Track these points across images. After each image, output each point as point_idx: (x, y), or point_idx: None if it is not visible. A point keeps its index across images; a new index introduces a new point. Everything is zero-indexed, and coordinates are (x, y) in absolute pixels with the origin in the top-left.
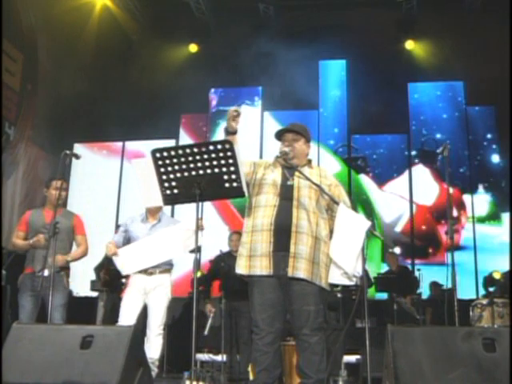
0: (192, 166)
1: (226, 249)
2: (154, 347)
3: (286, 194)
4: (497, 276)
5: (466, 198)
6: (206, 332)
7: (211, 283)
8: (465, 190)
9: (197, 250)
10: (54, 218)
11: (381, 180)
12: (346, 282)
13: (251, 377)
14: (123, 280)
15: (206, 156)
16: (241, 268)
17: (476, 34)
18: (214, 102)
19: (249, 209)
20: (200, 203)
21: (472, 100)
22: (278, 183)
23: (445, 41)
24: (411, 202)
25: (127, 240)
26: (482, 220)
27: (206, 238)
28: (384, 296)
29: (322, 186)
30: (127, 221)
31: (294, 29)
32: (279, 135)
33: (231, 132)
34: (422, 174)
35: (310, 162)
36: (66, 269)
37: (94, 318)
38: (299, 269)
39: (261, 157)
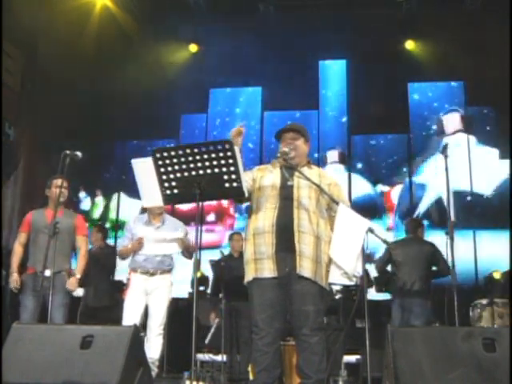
0: (192, 165)
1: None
2: (154, 347)
3: (286, 195)
4: (497, 276)
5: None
6: (207, 341)
7: (218, 291)
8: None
9: (197, 250)
10: (54, 218)
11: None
12: (346, 282)
13: (251, 377)
14: (124, 281)
15: (205, 156)
16: (249, 274)
17: (476, 34)
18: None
19: (250, 213)
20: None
21: (472, 100)
22: (278, 184)
23: (445, 41)
24: (411, 202)
25: None
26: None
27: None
28: (386, 296)
29: (322, 185)
30: (131, 224)
31: (293, 29)
32: (278, 135)
33: None
34: None
35: (309, 162)
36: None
37: None
38: (304, 267)
39: None
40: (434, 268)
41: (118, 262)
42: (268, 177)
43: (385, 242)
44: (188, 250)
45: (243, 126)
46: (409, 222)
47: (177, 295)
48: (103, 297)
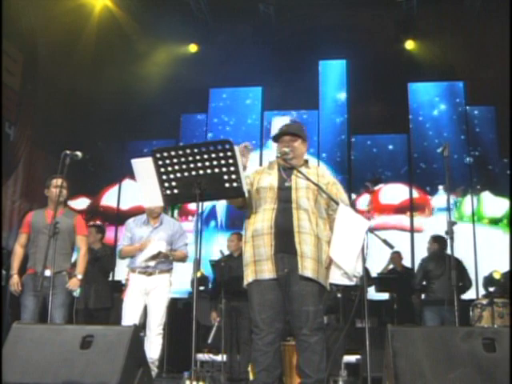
0: (192, 165)
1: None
2: (153, 347)
3: (285, 196)
4: (497, 276)
5: (466, 198)
6: (209, 340)
7: (219, 291)
8: (465, 190)
9: (196, 250)
10: (54, 218)
11: None
12: (347, 282)
13: (251, 377)
14: (123, 281)
15: (205, 156)
16: (249, 275)
17: (476, 34)
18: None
19: (249, 215)
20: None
21: (472, 100)
22: (275, 186)
23: (445, 41)
24: (411, 202)
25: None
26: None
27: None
28: (385, 296)
29: (320, 185)
30: (130, 224)
31: (294, 29)
32: (276, 138)
33: None
34: None
35: (306, 162)
36: (67, 269)
37: None
38: (307, 268)
39: None
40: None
41: (118, 262)
42: (266, 178)
43: (384, 242)
44: (174, 260)
45: (249, 145)
46: (431, 241)
47: (177, 295)
48: (101, 298)
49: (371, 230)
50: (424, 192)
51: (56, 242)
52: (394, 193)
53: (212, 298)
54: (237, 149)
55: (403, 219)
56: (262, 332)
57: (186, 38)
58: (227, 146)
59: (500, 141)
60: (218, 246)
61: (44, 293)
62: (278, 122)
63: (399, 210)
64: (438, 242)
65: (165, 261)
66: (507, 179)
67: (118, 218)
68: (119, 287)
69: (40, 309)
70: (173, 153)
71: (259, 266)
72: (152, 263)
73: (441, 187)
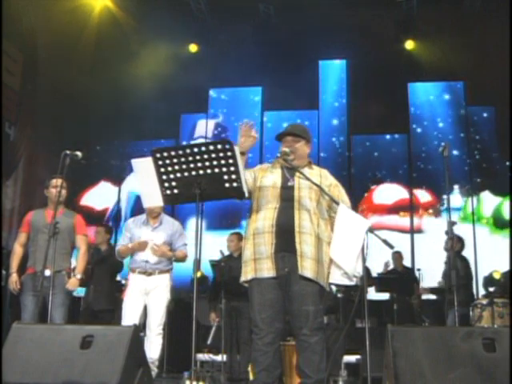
0: (192, 166)
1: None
2: (153, 347)
3: (287, 196)
4: (497, 276)
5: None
6: (208, 341)
7: (219, 291)
8: (469, 190)
9: (196, 250)
10: (54, 218)
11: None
12: (347, 283)
13: (251, 377)
14: (123, 281)
15: (206, 156)
16: (248, 273)
17: (476, 34)
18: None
19: (251, 213)
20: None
21: (472, 100)
22: (278, 185)
23: (445, 41)
24: (411, 202)
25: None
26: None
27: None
28: (385, 296)
29: (322, 186)
30: (130, 224)
31: (294, 29)
32: (279, 137)
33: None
34: None
35: (310, 162)
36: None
37: None
38: (307, 268)
39: None
40: None
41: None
42: (269, 177)
43: (385, 242)
44: (175, 260)
45: (250, 123)
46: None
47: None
48: (105, 298)
49: (371, 230)
50: (425, 192)
51: (56, 241)
52: (389, 193)
53: (211, 298)
54: (237, 149)
55: (397, 219)
56: (261, 332)
57: (185, 38)
58: (227, 146)
59: (500, 141)
60: None
61: (44, 292)
62: (202, 124)
63: (392, 209)
64: (462, 242)
65: (164, 261)
66: (507, 179)
67: (118, 218)
68: (119, 287)
69: (40, 309)
70: (173, 153)
71: (259, 265)
72: (153, 259)
73: (456, 187)
